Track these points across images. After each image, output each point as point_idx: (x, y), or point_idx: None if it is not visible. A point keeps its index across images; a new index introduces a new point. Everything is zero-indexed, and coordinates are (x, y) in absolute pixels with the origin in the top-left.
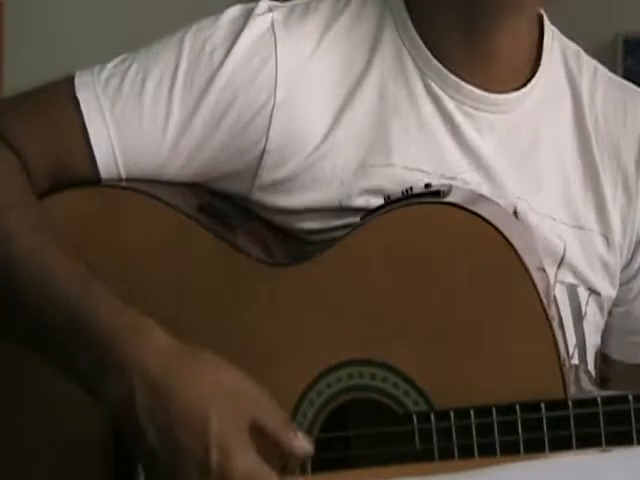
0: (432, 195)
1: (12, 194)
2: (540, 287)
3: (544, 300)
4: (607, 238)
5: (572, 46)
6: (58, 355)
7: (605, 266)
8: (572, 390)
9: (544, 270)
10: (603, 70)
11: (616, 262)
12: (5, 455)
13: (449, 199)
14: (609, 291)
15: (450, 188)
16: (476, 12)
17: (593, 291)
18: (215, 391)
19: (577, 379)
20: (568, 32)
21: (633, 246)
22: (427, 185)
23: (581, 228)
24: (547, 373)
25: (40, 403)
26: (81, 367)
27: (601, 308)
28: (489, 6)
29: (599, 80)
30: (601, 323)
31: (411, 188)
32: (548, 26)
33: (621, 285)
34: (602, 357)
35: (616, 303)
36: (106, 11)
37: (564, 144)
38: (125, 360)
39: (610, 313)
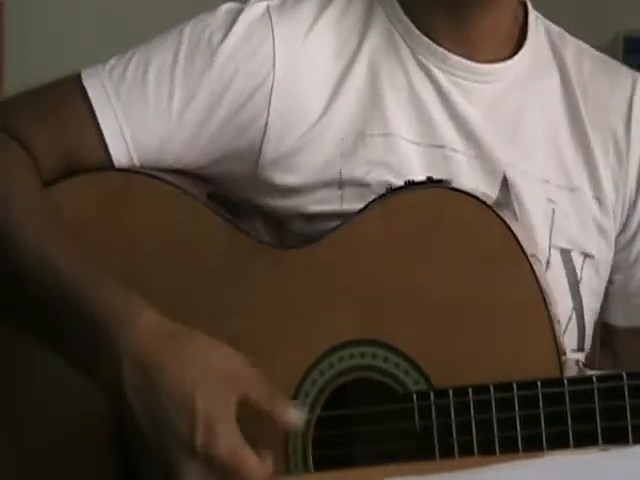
0: (434, 183)
1: (17, 183)
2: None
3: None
4: (599, 200)
5: (556, 28)
6: (55, 335)
7: (599, 228)
8: None
9: (534, 255)
10: (587, 46)
11: (611, 225)
12: (6, 455)
13: None
14: (604, 254)
15: (451, 182)
16: None
17: (587, 255)
18: (202, 370)
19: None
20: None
21: (627, 208)
22: (429, 178)
23: (574, 190)
24: (544, 361)
25: (42, 401)
26: (74, 346)
27: (597, 271)
28: None
29: (584, 54)
30: (598, 287)
31: (414, 180)
32: (532, 10)
33: (620, 250)
34: (607, 332)
35: (617, 268)
36: (106, 10)
37: (553, 112)
38: (115, 339)
39: (611, 280)
